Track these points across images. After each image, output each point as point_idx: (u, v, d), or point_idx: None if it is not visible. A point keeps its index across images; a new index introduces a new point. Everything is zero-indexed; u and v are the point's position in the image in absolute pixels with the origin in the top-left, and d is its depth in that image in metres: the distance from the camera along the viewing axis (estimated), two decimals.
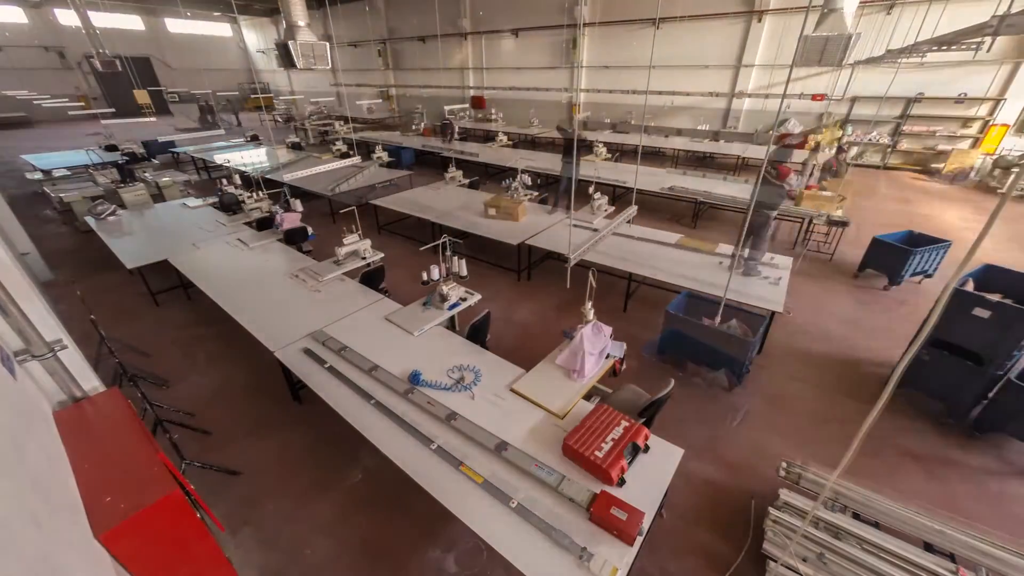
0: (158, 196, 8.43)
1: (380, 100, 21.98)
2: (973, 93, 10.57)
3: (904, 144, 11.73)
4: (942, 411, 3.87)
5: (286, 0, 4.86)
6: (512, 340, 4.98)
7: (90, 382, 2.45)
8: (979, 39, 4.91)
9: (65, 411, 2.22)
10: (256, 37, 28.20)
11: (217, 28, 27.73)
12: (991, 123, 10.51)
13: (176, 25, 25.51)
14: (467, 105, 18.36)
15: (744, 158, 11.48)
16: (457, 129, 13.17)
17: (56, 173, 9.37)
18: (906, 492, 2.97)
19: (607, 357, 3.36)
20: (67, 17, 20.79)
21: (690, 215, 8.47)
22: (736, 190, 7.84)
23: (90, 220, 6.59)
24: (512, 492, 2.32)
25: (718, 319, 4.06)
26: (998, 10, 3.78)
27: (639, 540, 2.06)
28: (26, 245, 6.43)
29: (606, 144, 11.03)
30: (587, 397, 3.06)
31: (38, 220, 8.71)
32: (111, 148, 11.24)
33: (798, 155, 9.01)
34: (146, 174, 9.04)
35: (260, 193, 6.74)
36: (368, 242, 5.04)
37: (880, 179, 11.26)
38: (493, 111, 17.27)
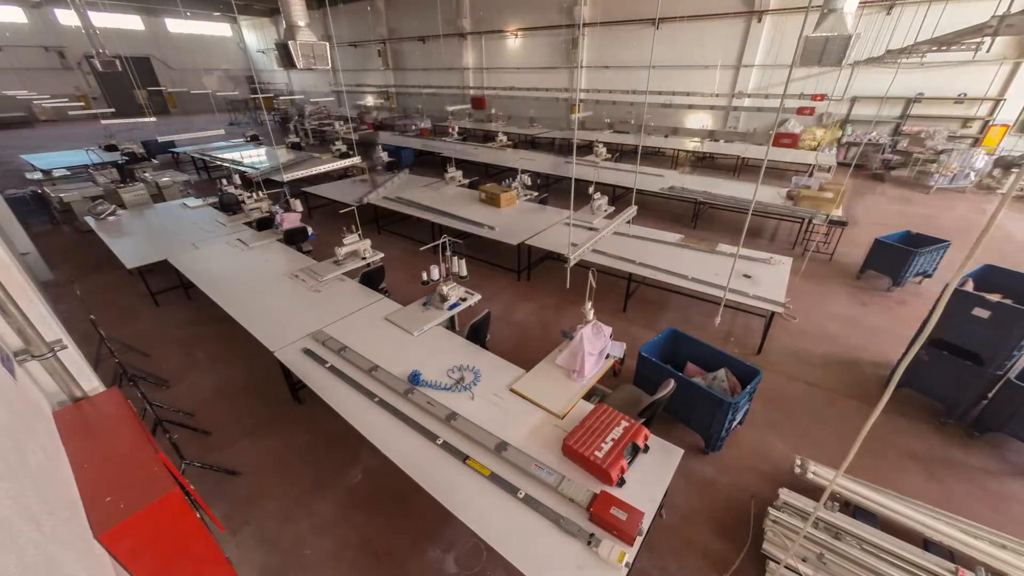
0: (158, 196, 8.43)
1: (383, 100, 22.02)
2: (973, 93, 10.58)
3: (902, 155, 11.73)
4: (942, 411, 3.87)
5: (286, 0, 4.85)
6: (512, 340, 4.98)
7: (90, 382, 2.45)
8: (979, 39, 4.91)
9: (65, 411, 2.22)
10: (256, 37, 28.20)
11: (217, 28, 27.73)
12: (991, 123, 10.51)
13: (176, 25, 25.51)
14: (467, 105, 18.37)
15: (744, 158, 11.48)
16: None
17: (56, 173, 9.37)
18: (906, 492, 2.97)
19: (607, 357, 3.36)
20: (67, 17, 20.80)
21: (690, 215, 8.47)
22: (736, 190, 7.84)
23: (90, 220, 6.59)
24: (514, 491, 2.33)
25: (710, 375, 3.69)
26: (998, 10, 3.79)
27: (639, 540, 2.06)
28: (26, 245, 6.43)
29: (606, 144, 11.03)
30: (587, 397, 3.06)
31: (33, 224, 8.70)
32: (111, 148, 11.25)
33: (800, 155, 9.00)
34: (146, 174, 9.04)
35: (260, 193, 6.75)
36: (368, 242, 5.04)
37: (877, 183, 11.26)
38: (493, 110, 17.29)
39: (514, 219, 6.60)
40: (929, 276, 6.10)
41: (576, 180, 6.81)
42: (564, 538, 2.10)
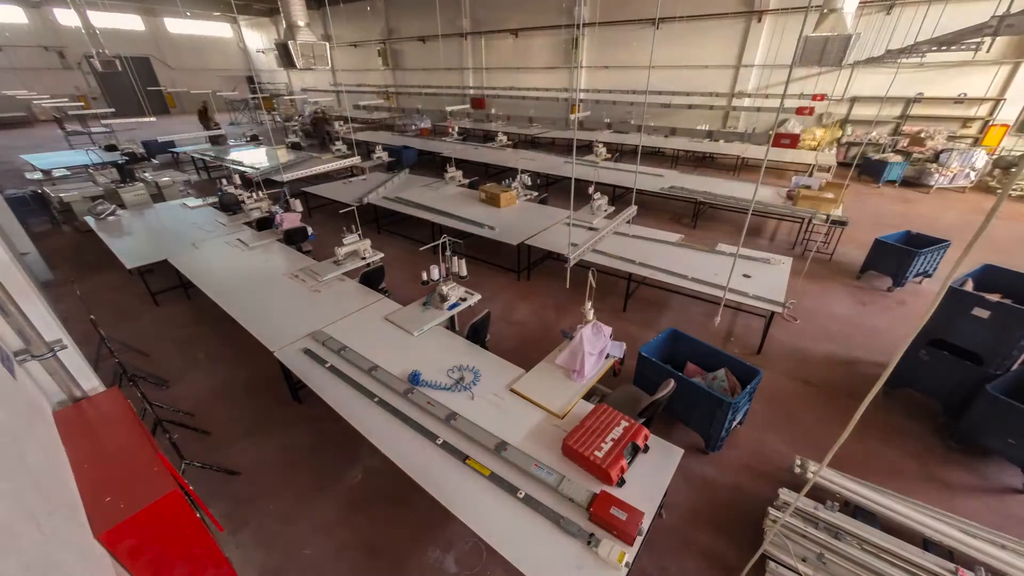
0: (158, 196, 8.43)
1: (382, 100, 22.01)
2: (973, 93, 10.57)
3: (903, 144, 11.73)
4: (941, 411, 3.87)
5: (286, 0, 4.86)
6: (512, 340, 4.98)
7: (90, 382, 2.45)
8: (979, 39, 4.91)
9: (65, 411, 2.22)
10: (256, 37, 28.20)
11: (217, 28, 27.72)
12: (991, 123, 10.51)
13: (176, 25, 25.50)
14: (467, 106, 18.37)
15: (744, 158, 11.48)
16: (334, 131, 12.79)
17: (56, 173, 9.37)
18: (906, 492, 2.97)
19: (607, 357, 3.36)
20: (67, 17, 20.79)
21: (690, 215, 8.47)
22: (736, 190, 7.84)
23: (90, 220, 6.59)
24: (513, 491, 2.33)
25: (710, 375, 3.68)
26: (998, 10, 3.78)
27: (639, 540, 2.06)
28: (26, 245, 6.43)
29: (606, 144, 11.03)
30: (587, 397, 3.06)
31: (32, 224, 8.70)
32: (111, 148, 11.25)
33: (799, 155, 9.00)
34: (146, 174, 9.04)
35: (260, 193, 6.75)
36: (368, 242, 5.04)
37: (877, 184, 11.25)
38: (493, 110, 17.28)
39: (514, 219, 6.60)
40: (929, 276, 6.10)
41: (576, 180, 6.81)
42: (564, 538, 2.10)
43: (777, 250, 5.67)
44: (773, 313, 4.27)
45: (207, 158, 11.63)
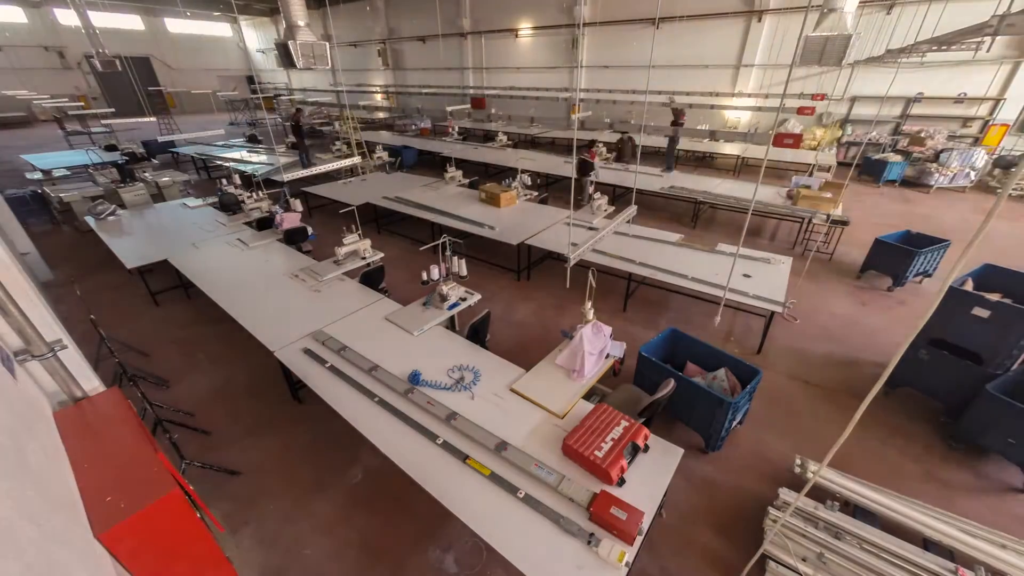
0: (158, 196, 8.43)
1: (383, 99, 22.03)
2: (973, 93, 10.57)
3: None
4: (942, 411, 3.87)
5: (286, 0, 4.86)
6: (512, 340, 4.98)
7: (90, 382, 2.45)
8: (979, 39, 4.92)
9: (65, 411, 2.22)
10: (256, 37, 28.20)
11: (217, 28, 27.72)
12: (991, 123, 10.51)
13: (176, 25, 25.50)
14: (467, 106, 18.35)
15: (744, 158, 11.48)
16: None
17: (56, 173, 9.37)
18: (906, 492, 2.97)
19: (607, 357, 3.36)
20: (67, 17, 20.78)
21: (690, 215, 8.47)
22: (737, 190, 7.84)
23: (90, 220, 6.58)
24: (513, 491, 2.33)
25: (710, 375, 3.68)
26: (998, 10, 3.79)
27: (639, 539, 2.06)
28: (26, 245, 6.43)
29: (606, 144, 11.03)
30: (587, 397, 3.06)
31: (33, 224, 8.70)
32: (111, 148, 11.24)
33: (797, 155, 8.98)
34: (146, 174, 9.04)
35: (260, 193, 6.75)
36: (368, 242, 5.04)
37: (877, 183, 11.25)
38: (493, 110, 17.27)
39: (514, 219, 6.61)
40: (929, 276, 6.10)
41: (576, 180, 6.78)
42: (564, 538, 2.10)
43: (777, 250, 5.66)
44: (773, 313, 4.27)
45: (206, 158, 11.63)
